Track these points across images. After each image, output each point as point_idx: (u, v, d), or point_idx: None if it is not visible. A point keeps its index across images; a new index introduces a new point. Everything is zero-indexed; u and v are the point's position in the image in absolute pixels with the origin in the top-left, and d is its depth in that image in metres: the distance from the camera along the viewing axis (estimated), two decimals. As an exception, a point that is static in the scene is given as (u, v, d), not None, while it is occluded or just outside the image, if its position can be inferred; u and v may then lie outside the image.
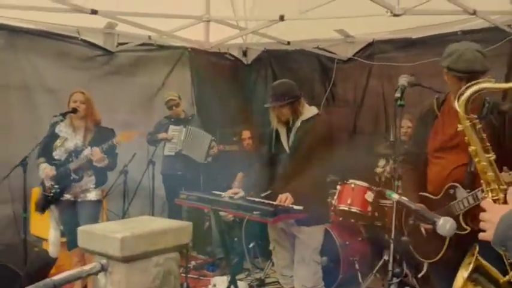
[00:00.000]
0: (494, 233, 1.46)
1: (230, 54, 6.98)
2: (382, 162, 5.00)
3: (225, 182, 5.60)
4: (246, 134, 5.88)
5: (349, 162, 5.54)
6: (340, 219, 4.74)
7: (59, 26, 5.42)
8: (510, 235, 1.41)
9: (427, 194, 2.70)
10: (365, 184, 4.59)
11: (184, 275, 4.68)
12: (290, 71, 6.41)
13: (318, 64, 6.35)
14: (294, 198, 3.34)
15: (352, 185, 4.55)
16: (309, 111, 3.59)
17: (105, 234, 2.37)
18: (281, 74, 6.19)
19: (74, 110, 4.17)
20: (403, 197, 2.27)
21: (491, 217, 1.50)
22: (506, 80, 4.45)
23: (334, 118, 6.02)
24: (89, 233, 2.50)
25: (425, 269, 3.92)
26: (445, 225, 2.09)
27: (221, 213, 5.26)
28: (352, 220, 4.72)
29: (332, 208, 4.56)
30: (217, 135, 6.47)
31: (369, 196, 3.97)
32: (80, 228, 2.52)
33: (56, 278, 2.27)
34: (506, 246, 1.43)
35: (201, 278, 5.05)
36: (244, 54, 7.13)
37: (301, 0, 4.88)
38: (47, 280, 2.24)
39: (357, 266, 4.47)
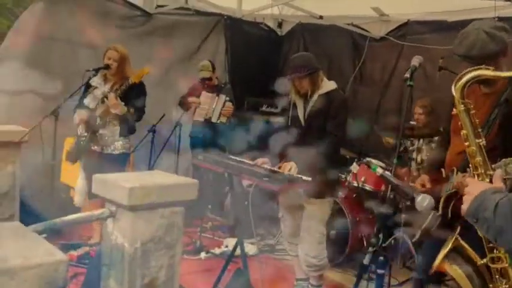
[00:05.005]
0: (469, 205, 1.53)
1: (265, 25, 7.03)
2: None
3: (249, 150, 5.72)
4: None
5: (369, 141, 5.56)
6: (354, 195, 4.84)
7: (103, -16, 5.56)
8: (482, 208, 1.47)
9: (444, 172, 2.69)
10: (381, 164, 4.63)
11: (199, 233, 4.92)
12: (322, 45, 6.38)
13: (350, 41, 6.29)
14: (303, 169, 3.43)
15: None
16: (328, 85, 3.59)
17: (116, 182, 2.49)
18: (313, 48, 6.17)
19: (106, 67, 4.37)
20: (386, 172, 2.35)
21: (471, 190, 1.56)
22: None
23: (359, 96, 6.02)
24: (102, 181, 2.63)
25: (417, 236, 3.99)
26: (423, 202, 2.17)
27: (243, 183, 5.42)
28: (365, 198, 4.81)
29: (346, 184, 4.64)
30: (245, 104, 6.60)
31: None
32: (95, 175, 2.68)
33: (65, 218, 2.42)
34: (478, 219, 1.49)
35: (216, 238, 5.26)
36: (279, 25, 7.15)
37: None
38: (56, 220, 2.38)
39: (365, 243, 4.58)
